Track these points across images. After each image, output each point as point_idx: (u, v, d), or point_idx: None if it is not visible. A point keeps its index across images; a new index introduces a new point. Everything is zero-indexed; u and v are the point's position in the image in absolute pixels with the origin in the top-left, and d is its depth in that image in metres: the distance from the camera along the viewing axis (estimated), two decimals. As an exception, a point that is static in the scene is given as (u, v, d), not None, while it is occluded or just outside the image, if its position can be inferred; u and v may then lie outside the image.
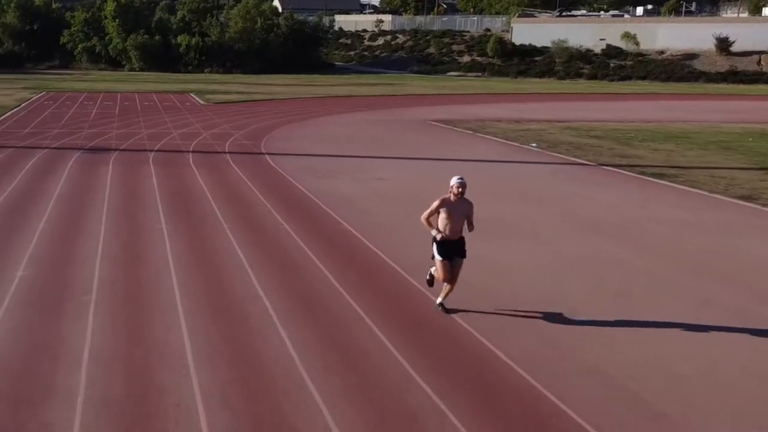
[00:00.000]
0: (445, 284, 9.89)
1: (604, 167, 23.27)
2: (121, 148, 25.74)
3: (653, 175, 21.81)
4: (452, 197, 9.71)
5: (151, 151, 25.13)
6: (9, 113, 36.63)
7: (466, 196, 9.82)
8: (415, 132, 31.88)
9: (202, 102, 45.62)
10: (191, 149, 25.65)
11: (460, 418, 7.30)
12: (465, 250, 9.92)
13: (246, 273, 11.88)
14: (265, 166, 22.60)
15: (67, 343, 8.97)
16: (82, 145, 26.32)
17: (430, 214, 9.76)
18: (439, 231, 9.68)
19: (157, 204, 16.90)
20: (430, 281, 10.32)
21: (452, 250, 9.79)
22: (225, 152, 25.22)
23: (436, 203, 9.71)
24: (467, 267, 10.22)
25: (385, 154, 25.08)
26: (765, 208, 17.58)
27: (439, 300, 10.07)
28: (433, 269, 10.12)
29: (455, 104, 46.50)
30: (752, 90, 71.17)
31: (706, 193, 19.28)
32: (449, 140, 29.48)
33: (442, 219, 9.73)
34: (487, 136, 30.54)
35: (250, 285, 11.29)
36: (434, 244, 9.82)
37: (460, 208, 9.74)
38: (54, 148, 25.61)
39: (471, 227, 9.93)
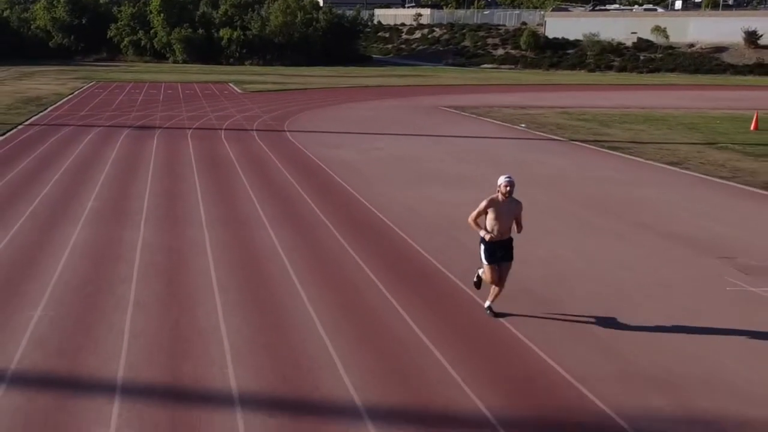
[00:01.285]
0: (493, 287, 9.70)
1: (573, 142, 27.24)
2: (164, 126, 30.27)
3: (609, 147, 25.76)
4: (500, 197, 9.40)
5: (189, 128, 29.64)
6: (65, 99, 41.44)
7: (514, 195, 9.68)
8: (424, 115, 36.03)
9: (239, 91, 50.06)
10: (224, 127, 30.13)
11: (392, 293, 11.57)
12: (512, 252, 9.68)
13: (253, 204, 16.28)
14: (285, 140, 26.99)
15: (126, 240, 13.38)
16: (131, 123, 30.87)
17: (478, 215, 9.53)
18: (487, 231, 9.41)
19: (192, 164, 21.38)
20: (477, 283, 10.10)
21: (500, 252, 9.51)
22: (252, 130, 29.66)
23: (483, 203, 9.45)
24: (429, 203, 14.30)
25: (388, 132, 29.36)
26: (681, 170, 21.50)
27: (487, 303, 9.84)
28: (480, 271, 9.89)
29: (476, 93, 50.34)
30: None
31: (642, 159, 23.26)
32: (450, 121, 33.60)
33: (489, 219, 9.43)
34: (486, 119, 34.57)
35: (254, 210, 15.68)
36: (482, 247, 9.58)
37: (508, 208, 9.46)
38: (107, 126, 30.20)
39: (519, 228, 9.71)
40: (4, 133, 27.00)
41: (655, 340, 9.18)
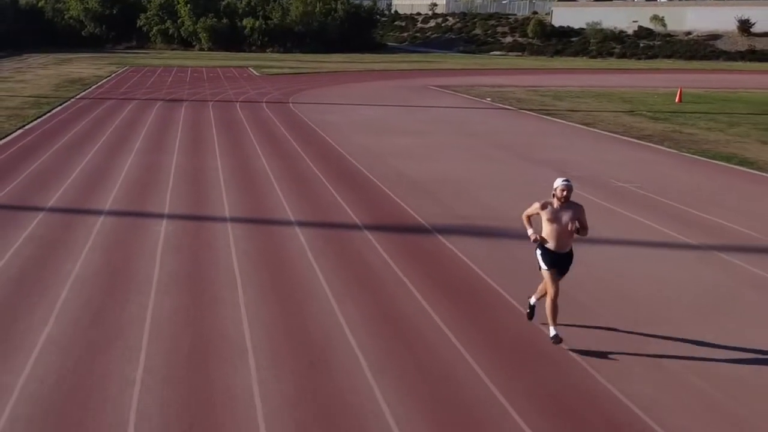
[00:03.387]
0: (542, 289, 8.85)
1: (521, 111, 33.65)
2: (190, 99, 36.94)
3: (546, 114, 32.10)
4: (555, 202, 8.48)
5: (211, 101, 36.33)
6: (105, 80, 48.34)
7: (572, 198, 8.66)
8: (411, 92, 42.48)
9: (257, 74, 56.73)
10: (239, 100, 36.81)
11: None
12: (568, 268, 8.69)
13: (254, 146, 22.84)
14: (287, 108, 33.60)
15: (165, 162, 19.97)
16: (163, 98, 37.57)
17: (531, 215, 8.76)
18: (534, 233, 8.57)
19: (211, 123, 28.03)
20: (531, 314, 9.21)
21: (560, 262, 8.56)
22: (262, 102, 36.31)
23: (536, 204, 8.61)
24: (379, 144, 20.96)
25: (373, 103, 35.87)
26: (588, 128, 27.85)
27: (552, 332, 8.51)
28: (532, 300, 9.06)
29: (469, 76, 56.48)
30: (750, 67, 79.56)
31: (563, 121, 29.61)
32: (430, 96, 40.04)
33: (545, 225, 8.53)
34: (462, 94, 40.97)
35: (254, 150, 22.20)
36: (538, 252, 8.67)
37: (565, 215, 8.46)
38: (143, 99, 36.92)
39: (585, 231, 8.61)
40: (61, 103, 33.80)
41: (473, 200, 15.69)
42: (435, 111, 32.85)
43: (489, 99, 37.78)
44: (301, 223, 13.77)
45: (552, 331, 8.45)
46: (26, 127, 25.78)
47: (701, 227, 13.95)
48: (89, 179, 17.52)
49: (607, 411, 7.25)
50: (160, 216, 14.22)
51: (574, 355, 8.47)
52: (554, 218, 8.45)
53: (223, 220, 14.00)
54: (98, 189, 16.46)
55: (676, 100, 37.46)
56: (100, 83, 45.33)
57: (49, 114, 29.75)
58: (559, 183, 8.48)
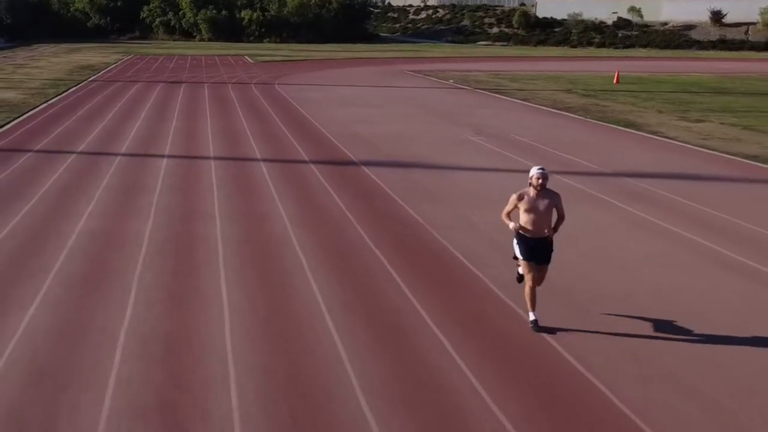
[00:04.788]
0: (528, 293, 8.67)
1: (476, 90, 38.78)
2: (189, 81, 42.02)
3: (495, 92, 37.15)
4: (532, 190, 8.50)
5: (206, 83, 41.42)
6: (113, 66, 53.47)
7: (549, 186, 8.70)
8: (386, 75, 47.55)
9: (251, 61, 61.76)
10: (232, 82, 41.98)
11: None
12: (550, 255, 8.69)
13: (239, 115, 28.01)
14: (272, 88, 38.70)
15: (166, 126, 25.08)
16: (165, 80, 42.66)
17: (509, 211, 8.71)
18: (515, 225, 8.57)
19: (205, 99, 33.16)
20: (520, 278, 9.09)
21: (537, 250, 8.59)
22: (251, 83, 41.50)
23: (513, 198, 8.60)
24: (344, 114, 26.13)
25: (349, 84, 40.97)
26: (522, 102, 32.94)
27: (531, 317, 8.72)
28: (520, 269, 8.97)
29: (447, 63, 61.34)
30: (716, 55, 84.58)
31: (506, 97, 34.71)
32: (402, 79, 45.10)
33: (522, 214, 8.58)
34: (430, 77, 46.04)
35: (239, 117, 27.34)
36: (514, 241, 8.77)
37: (542, 203, 8.49)
38: (147, 81, 42.01)
39: (561, 220, 8.69)
40: (76, 84, 38.98)
41: (400, 148, 20.77)
42: (401, 90, 38.00)
43: (452, 81, 42.82)
44: (265, 160, 18.97)
45: (531, 316, 8.75)
46: (49, 102, 30.96)
47: (557, 162, 19.11)
48: (107, 136, 22.72)
49: (446, 263, 12.43)
50: (162, 156, 19.42)
51: (432, 231, 13.68)
52: (531, 207, 8.49)
53: (208, 158, 19.20)
54: (114, 141, 21.66)
55: (614, 81, 42.51)
56: (108, 69, 50.51)
57: (66, 93, 34.90)
58: (534, 171, 8.51)
